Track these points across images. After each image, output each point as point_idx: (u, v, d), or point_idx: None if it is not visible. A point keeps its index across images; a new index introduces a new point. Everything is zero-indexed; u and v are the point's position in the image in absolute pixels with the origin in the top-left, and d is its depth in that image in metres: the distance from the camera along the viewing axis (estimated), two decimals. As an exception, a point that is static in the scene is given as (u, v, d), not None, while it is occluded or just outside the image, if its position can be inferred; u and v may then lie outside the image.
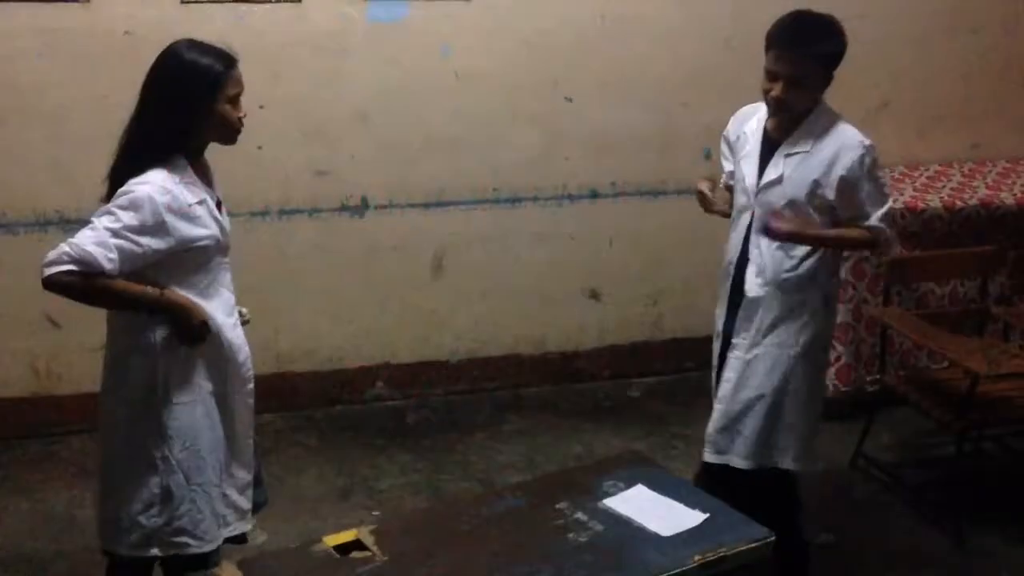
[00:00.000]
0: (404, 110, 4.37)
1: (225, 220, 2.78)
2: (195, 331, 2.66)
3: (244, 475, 2.87)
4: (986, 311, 4.28)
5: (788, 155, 3.09)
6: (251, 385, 2.87)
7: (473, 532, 2.62)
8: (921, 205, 4.43)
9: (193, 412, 2.71)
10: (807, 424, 3.25)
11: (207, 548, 2.78)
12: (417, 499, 3.98)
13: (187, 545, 2.75)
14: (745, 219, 3.19)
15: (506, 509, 2.72)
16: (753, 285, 3.17)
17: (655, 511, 2.68)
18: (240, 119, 2.68)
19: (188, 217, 2.60)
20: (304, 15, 4.16)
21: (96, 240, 2.50)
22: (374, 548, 2.50)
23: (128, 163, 2.61)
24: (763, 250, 3.14)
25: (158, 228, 2.55)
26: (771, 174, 3.11)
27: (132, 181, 2.56)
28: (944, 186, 4.68)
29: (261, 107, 4.12)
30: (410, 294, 4.61)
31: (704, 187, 3.28)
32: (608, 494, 2.75)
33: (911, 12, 4.81)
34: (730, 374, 3.24)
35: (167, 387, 2.68)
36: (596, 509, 2.69)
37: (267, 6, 4.11)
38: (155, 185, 2.55)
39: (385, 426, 4.50)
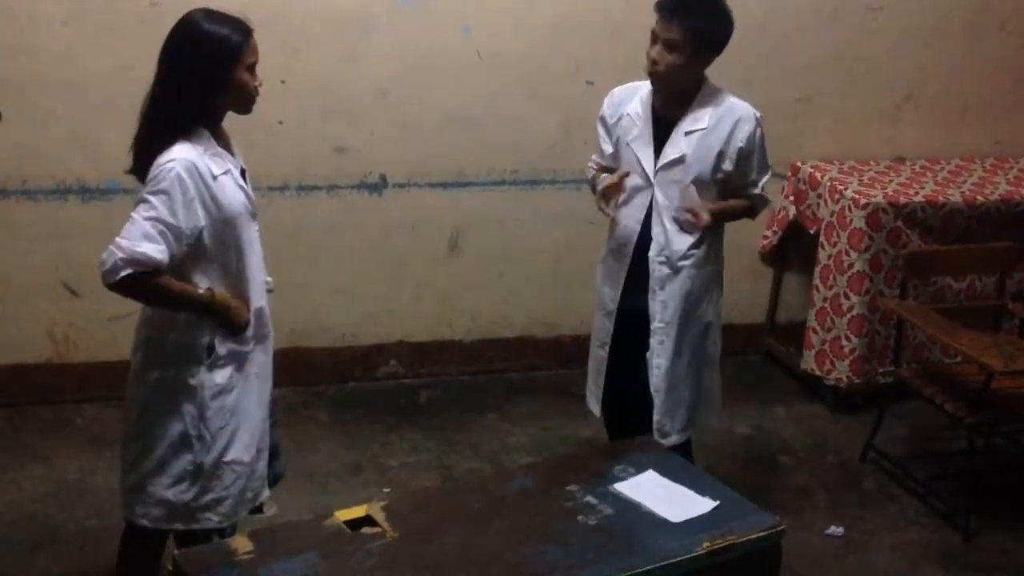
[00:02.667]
0: (425, 89, 4.36)
1: (249, 188, 2.80)
2: (238, 329, 2.74)
3: (264, 445, 2.91)
4: (1003, 307, 4.26)
5: (688, 133, 3.19)
6: (271, 356, 2.92)
7: (483, 511, 2.63)
8: (941, 199, 4.41)
9: (230, 392, 2.76)
10: (718, 383, 3.51)
11: (227, 523, 2.81)
12: (427, 478, 4.00)
13: (209, 520, 2.79)
14: (641, 200, 3.28)
15: (516, 490, 2.73)
16: (661, 266, 3.28)
17: (665, 497, 2.69)
18: (256, 87, 2.69)
19: (216, 189, 2.64)
20: (328, -10, 4.16)
21: (142, 233, 2.54)
22: (384, 524, 2.51)
23: (151, 135, 2.64)
24: (668, 230, 3.25)
25: (190, 204, 2.58)
26: (671, 153, 3.20)
27: (158, 161, 2.58)
28: (965, 181, 4.65)
29: (282, 82, 4.13)
30: (426, 273, 4.61)
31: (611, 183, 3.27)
32: (619, 478, 2.76)
33: (937, 6, 4.77)
34: (660, 360, 3.34)
35: (206, 368, 2.71)
36: (606, 493, 2.70)
37: (291, -20, 4.10)
38: (181, 161, 2.58)
39: (397, 404, 4.51)
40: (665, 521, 2.60)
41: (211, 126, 2.69)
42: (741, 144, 3.20)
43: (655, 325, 3.32)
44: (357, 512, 2.56)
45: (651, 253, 3.29)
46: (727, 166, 3.22)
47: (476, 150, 4.49)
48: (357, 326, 4.61)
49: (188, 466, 2.74)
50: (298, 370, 4.51)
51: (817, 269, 4.57)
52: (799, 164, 4.75)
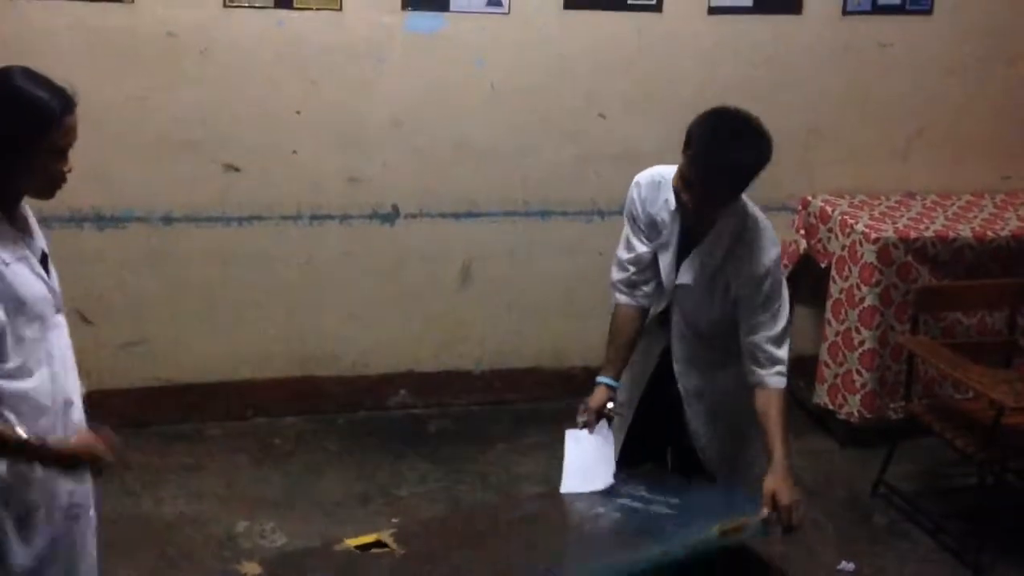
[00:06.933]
0: (438, 120, 4.40)
1: (53, 277, 2.35)
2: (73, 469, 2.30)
3: None
4: (1013, 343, 4.25)
5: (703, 261, 2.90)
6: (85, 486, 2.46)
7: (492, 533, 2.69)
8: (952, 235, 4.41)
9: (35, 540, 2.32)
10: None
11: None
12: (436, 508, 3.99)
13: None
14: (661, 308, 3.04)
15: (524, 513, 2.78)
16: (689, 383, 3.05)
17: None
18: (64, 173, 2.24)
19: (10, 277, 2.19)
20: (343, 23, 4.19)
21: None
22: (394, 546, 2.53)
23: None
24: (691, 344, 3.02)
25: None
26: (684, 277, 2.93)
27: None
28: (975, 216, 4.66)
29: (297, 113, 4.17)
30: (437, 303, 4.63)
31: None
32: (624, 495, 2.84)
33: (947, 41, 4.80)
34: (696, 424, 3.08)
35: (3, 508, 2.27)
36: (614, 503, 2.81)
37: (308, 12, 4.14)
38: None
39: (406, 434, 4.51)
40: (674, 514, 2.72)
41: (6, 206, 2.24)
42: (750, 273, 2.85)
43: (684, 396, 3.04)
44: (367, 539, 2.58)
45: (680, 371, 3.04)
46: (733, 293, 2.90)
47: (488, 181, 4.52)
48: (368, 355, 4.62)
49: None
50: (308, 398, 4.52)
51: (828, 303, 4.57)
52: (809, 198, 4.77)
